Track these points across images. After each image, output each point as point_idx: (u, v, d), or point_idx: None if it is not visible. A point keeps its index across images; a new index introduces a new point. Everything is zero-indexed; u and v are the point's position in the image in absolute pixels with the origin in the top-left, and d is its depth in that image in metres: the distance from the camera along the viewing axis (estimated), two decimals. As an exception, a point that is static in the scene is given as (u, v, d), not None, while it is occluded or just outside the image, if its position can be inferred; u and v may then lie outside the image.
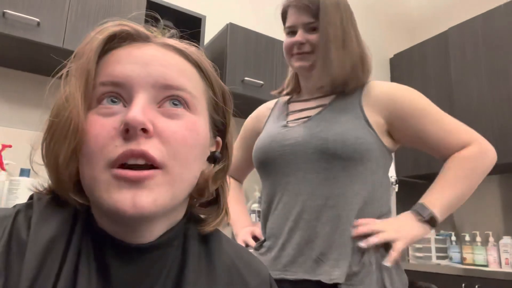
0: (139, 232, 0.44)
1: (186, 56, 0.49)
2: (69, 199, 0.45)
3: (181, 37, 0.52)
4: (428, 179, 2.82)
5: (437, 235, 2.70)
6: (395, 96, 1.00)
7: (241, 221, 1.17)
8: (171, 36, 0.52)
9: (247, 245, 1.06)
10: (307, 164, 0.96)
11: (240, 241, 1.09)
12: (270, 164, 1.03)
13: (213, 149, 0.53)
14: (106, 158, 0.41)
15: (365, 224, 0.91)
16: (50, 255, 0.40)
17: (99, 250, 0.43)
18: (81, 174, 0.43)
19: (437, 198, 0.95)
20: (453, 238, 2.71)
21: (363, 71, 1.03)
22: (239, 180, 1.30)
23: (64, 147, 0.42)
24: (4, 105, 1.82)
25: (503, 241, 2.42)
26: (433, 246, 2.61)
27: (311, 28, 1.02)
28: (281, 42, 2.22)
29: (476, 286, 2.09)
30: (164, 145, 0.42)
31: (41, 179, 0.49)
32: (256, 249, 1.02)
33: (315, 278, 0.88)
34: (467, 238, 2.61)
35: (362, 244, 0.89)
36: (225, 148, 0.54)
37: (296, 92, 1.15)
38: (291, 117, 1.07)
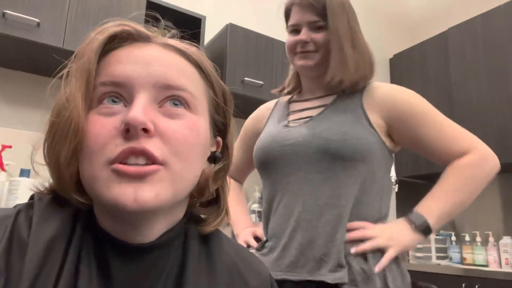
0: (140, 230, 0.44)
1: (187, 56, 0.49)
2: (70, 199, 0.45)
3: (182, 37, 0.52)
4: (428, 179, 2.84)
5: (437, 235, 2.70)
6: (395, 99, 0.99)
7: (241, 221, 1.17)
8: (172, 37, 0.52)
9: (248, 246, 1.06)
10: (308, 164, 0.96)
11: (241, 241, 1.08)
12: (271, 164, 1.02)
13: (214, 149, 0.53)
14: (106, 156, 0.41)
15: (359, 229, 0.91)
16: (50, 255, 0.40)
17: (100, 250, 0.44)
18: (81, 172, 0.43)
19: (434, 208, 0.94)
20: (453, 238, 2.72)
21: (371, 71, 1.03)
22: (240, 181, 1.30)
23: (65, 147, 0.42)
24: (4, 106, 1.82)
25: (503, 241, 2.42)
26: (433, 246, 2.61)
27: (316, 27, 1.02)
28: (281, 42, 2.24)
29: (476, 286, 2.09)
30: (165, 144, 0.42)
31: (41, 179, 0.49)
32: (258, 249, 1.02)
33: (318, 278, 0.87)
34: (467, 238, 2.62)
35: (353, 250, 0.89)
36: (226, 148, 0.55)
37: (297, 91, 1.15)
38: (292, 117, 1.07)
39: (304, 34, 1.02)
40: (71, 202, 0.45)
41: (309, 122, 1.00)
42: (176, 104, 0.45)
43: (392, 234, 0.92)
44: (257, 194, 2.25)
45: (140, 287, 0.44)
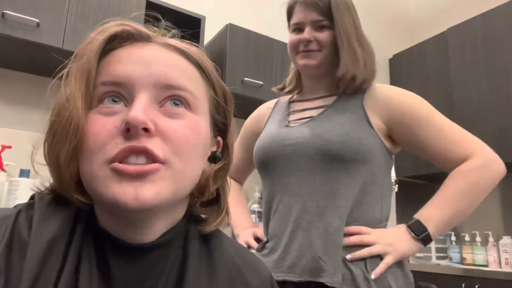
0: (140, 230, 0.44)
1: (187, 56, 0.49)
2: (71, 198, 0.45)
3: (182, 37, 0.52)
4: (428, 179, 2.84)
5: (437, 235, 2.69)
6: (396, 101, 0.98)
7: (241, 222, 1.16)
8: (172, 36, 0.52)
9: (249, 247, 1.05)
10: (309, 164, 0.95)
11: (241, 242, 1.08)
12: (271, 164, 1.02)
13: (214, 149, 0.53)
14: (105, 155, 0.41)
15: (357, 234, 0.90)
16: (51, 255, 0.40)
17: (101, 249, 0.44)
18: (81, 172, 0.43)
19: (435, 216, 0.92)
20: (453, 238, 2.72)
21: (375, 70, 1.03)
22: (240, 181, 1.29)
23: (65, 146, 0.42)
24: (3, 106, 1.82)
25: (503, 241, 2.42)
26: (433, 246, 2.61)
27: (319, 26, 1.01)
28: (280, 42, 2.24)
29: (476, 286, 2.09)
30: (165, 143, 0.42)
31: (41, 179, 0.49)
32: (259, 250, 1.01)
33: (319, 280, 0.87)
34: (467, 238, 2.62)
35: (349, 257, 0.88)
36: (226, 148, 0.55)
37: (297, 91, 1.14)
38: (292, 117, 1.07)
39: (307, 33, 1.01)
40: (72, 202, 0.45)
41: (309, 122, 1.00)
42: (176, 104, 0.45)
43: (391, 240, 0.90)
44: (257, 194, 2.25)
45: (141, 287, 0.44)
